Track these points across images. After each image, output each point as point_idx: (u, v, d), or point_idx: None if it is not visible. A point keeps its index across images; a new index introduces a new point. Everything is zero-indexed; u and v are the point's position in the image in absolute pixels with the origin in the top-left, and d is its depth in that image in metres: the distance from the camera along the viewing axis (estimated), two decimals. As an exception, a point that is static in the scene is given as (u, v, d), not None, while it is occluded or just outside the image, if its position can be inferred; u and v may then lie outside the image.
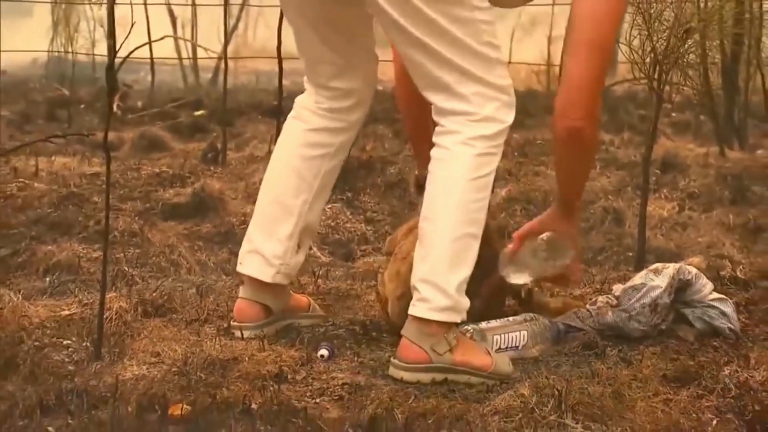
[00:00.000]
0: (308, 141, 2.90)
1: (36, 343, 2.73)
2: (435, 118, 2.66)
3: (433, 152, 2.65)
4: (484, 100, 2.60)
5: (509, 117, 2.64)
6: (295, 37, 2.93)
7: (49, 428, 2.21)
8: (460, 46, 2.57)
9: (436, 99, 2.64)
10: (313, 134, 2.90)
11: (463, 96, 2.59)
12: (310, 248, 3.97)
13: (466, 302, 2.61)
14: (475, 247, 2.63)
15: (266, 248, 2.88)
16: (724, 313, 2.96)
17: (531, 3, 2.94)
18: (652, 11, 3.74)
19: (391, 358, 2.62)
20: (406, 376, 2.56)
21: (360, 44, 2.87)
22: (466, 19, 2.56)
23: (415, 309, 2.59)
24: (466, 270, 2.60)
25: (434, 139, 2.66)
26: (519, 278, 2.95)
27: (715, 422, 2.30)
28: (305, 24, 2.85)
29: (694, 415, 2.33)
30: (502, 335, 2.77)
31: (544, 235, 2.92)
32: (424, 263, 2.61)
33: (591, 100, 2.70)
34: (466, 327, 2.75)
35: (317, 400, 2.43)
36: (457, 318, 2.60)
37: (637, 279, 3.02)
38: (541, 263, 2.94)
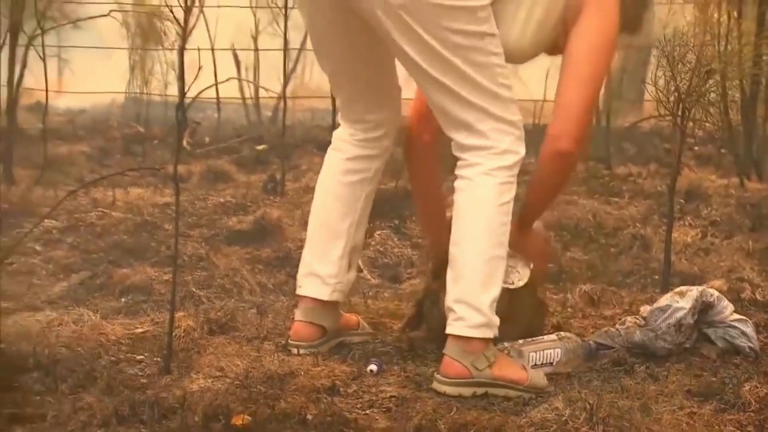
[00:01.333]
0: (348, 169, 2.93)
1: (112, 358, 2.75)
2: (456, 153, 2.68)
3: (457, 184, 2.66)
4: (502, 135, 2.62)
5: (523, 149, 2.66)
6: (330, 81, 2.99)
7: (124, 436, 2.23)
8: (480, 88, 2.59)
9: (458, 137, 2.66)
10: (351, 162, 2.93)
11: (483, 133, 2.61)
12: (361, 271, 3.99)
13: (497, 319, 2.60)
14: (502, 267, 2.63)
15: (321, 270, 2.90)
16: (744, 333, 2.94)
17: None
18: (676, 54, 3.73)
19: (435, 374, 2.61)
20: (449, 390, 2.56)
21: (386, 78, 2.90)
22: (484, 63, 2.59)
23: (453, 328, 2.59)
24: (496, 289, 2.61)
25: (456, 171, 2.67)
26: None
27: (737, 437, 2.28)
28: (338, 67, 2.89)
29: (716, 427, 2.31)
30: (538, 352, 2.77)
31: None
32: (458, 285, 2.61)
33: (583, 129, 2.75)
34: (504, 344, 2.75)
35: (367, 412, 2.43)
36: (491, 333, 2.60)
37: (663, 301, 3.00)
38: None
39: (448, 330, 2.61)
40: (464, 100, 2.60)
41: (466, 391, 2.56)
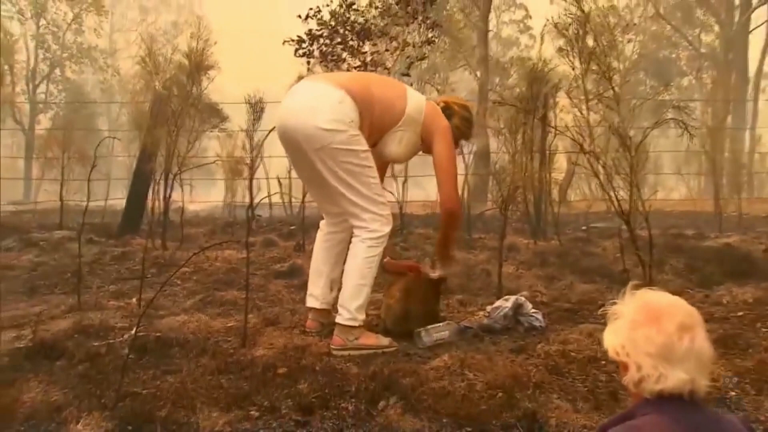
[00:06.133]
0: (325, 238, 2.88)
1: (215, 339, 2.72)
2: (352, 227, 2.61)
3: (351, 244, 2.62)
4: (374, 221, 2.56)
5: (385, 228, 2.57)
6: (310, 192, 2.91)
7: (222, 380, 2.19)
8: (363, 196, 2.54)
9: (351, 220, 2.60)
10: (327, 235, 2.88)
11: (364, 219, 2.56)
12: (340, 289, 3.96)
13: (362, 317, 2.56)
14: (366, 290, 2.58)
15: (315, 292, 2.87)
16: (538, 319, 2.96)
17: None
18: (501, 177, 3.81)
19: (329, 344, 2.56)
20: (335, 353, 2.51)
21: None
22: (366, 182, 2.54)
23: (337, 318, 2.57)
24: (360, 300, 2.56)
25: (352, 238, 2.62)
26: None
27: (534, 372, 2.28)
28: (306, 182, 2.81)
29: (524, 368, 2.31)
30: (438, 333, 2.72)
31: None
32: (341, 296, 2.59)
33: (455, 195, 2.64)
34: (419, 329, 2.68)
35: (347, 364, 2.40)
36: (355, 323, 2.55)
37: (498, 303, 3.02)
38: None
39: (336, 320, 2.57)
40: (353, 202, 2.55)
41: (345, 353, 2.50)
